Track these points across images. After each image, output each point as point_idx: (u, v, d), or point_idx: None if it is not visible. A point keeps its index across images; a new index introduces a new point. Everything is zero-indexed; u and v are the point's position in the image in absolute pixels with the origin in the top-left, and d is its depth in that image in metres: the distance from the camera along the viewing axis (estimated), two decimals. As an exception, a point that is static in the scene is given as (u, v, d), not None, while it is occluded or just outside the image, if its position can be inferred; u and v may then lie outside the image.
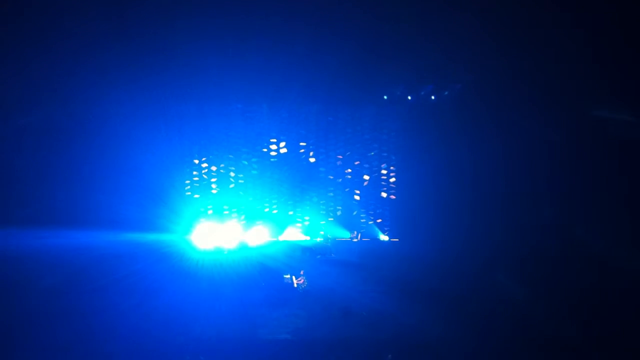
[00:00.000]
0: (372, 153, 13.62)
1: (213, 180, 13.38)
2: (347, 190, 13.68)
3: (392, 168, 13.63)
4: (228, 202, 13.44)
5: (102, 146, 11.47)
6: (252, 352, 8.62)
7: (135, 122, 11.71)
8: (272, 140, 13.45)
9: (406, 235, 13.27)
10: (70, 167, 11.15)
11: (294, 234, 13.54)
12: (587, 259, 9.26)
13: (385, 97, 12.96)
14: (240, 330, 9.30)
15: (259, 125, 13.36)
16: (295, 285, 11.25)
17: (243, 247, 12.87)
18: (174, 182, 12.85)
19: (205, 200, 13.34)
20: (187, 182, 13.25)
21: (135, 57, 10.15)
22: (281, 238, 13.45)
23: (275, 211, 13.58)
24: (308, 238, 13.48)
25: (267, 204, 13.55)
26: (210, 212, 13.35)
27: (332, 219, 13.64)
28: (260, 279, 11.71)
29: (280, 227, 13.51)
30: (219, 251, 12.58)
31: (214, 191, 13.39)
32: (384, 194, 13.70)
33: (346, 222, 13.64)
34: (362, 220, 13.67)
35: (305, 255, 12.71)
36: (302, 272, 11.53)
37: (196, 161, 13.26)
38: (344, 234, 13.52)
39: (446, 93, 12.28)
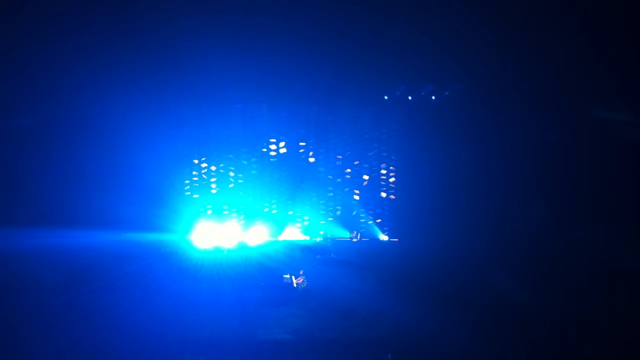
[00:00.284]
0: (372, 153, 13.63)
1: (213, 180, 13.38)
2: (346, 190, 13.69)
3: (391, 168, 13.64)
4: (228, 201, 13.45)
5: (102, 147, 11.47)
6: (252, 352, 8.63)
7: (135, 122, 11.70)
8: (271, 140, 13.47)
9: (405, 235, 13.27)
10: (71, 167, 11.15)
11: (294, 234, 13.55)
12: (586, 258, 9.26)
13: (385, 98, 12.97)
14: (240, 330, 9.30)
15: (258, 125, 13.37)
16: (295, 285, 11.25)
17: (243, 246, 12.87)
18: (174, 182, 12.85)
19: (205, 200, 13.34)
20: (187, 182, 13.25)
21: (135, 58, 10.15)
22: (281, 238, 13.45)
23: (274, 211, 13.59)
24: (308, 238, 13.48)
25: (266, 204, 13.56)
26: (209, 212, 13.34)
27: (331, 218, 13.64)
28: (259, 278, 11.71)
29: (280, 227, 13.52)
30: (218, 251, 12.59)
31: (213, 191, 13.39)
32: (383, 194, 13.71)
33: (346, 222, 13.65)
34: (361, 220, 13.68)
35: (305, 255, 12.70)
36: (301, 272, 11.53)
37: (196, 161, 13.27)
38: (344, 234, 13.52)
39: (446, 93, 12.29)
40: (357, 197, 13.69)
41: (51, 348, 8.10)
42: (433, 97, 12.63)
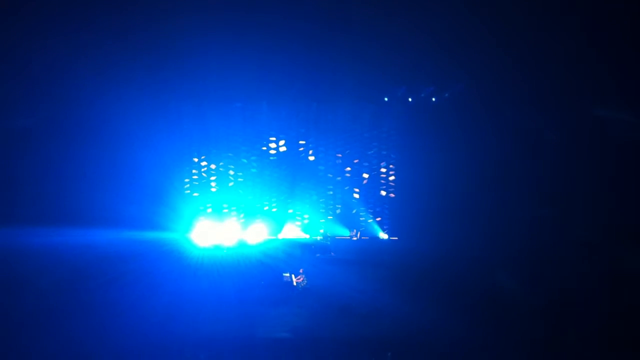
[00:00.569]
0: (372, 151, 13.62)
1: (212, 178, 13.37)
2: (346, 188, 13.68)
3: (391, 166, 13.63)
4: (227, 200, 13.44)
5: (103, 145, 11.47)
6: (251, 350, 8.64)
7: (135, 121, 11.69)
8: (271, 138, 13.45)
9: (405, 233, 13.28)
10: (71, 167, 11.15)
11: (294, 232, 13.55)
12: (585, 256, 9.29)
13: (385, 99, 12.98)
14: (240, 328, 9.31)
15: (258, 124, 13.35)
16: (295, 284, 11.26)
17: (242, 245, 12.88)
18: (174, 181, 12.84)
19: (205, 199, 13.34)
20: (187, 180, 13.24)
21: (135, 56, 10.15)
22: (280, 236, 13.45)
23: (274, 209, 13.59)
24: (307, 236, 13.49)
25: (266, 202, 13.55)
26: (209, 210, 13.34)
27: (331, 217, 13.64)
28: (259, 277, 11.72)
29: (280, 226, 13.52)
30: (218, 249, 12.60)
31: (213, 189, 13.39)
32: (383, 193, 13.71)
33: (345, 220, 13.64)
34: (361, 219, 13.68)
35: (305, 254, 12.71)
36: (301, 271, 11.53)
37: (195, 159, 13.26)
38: (344, 233, 13.53)
39: (446, 93, 12.29)
40: (356, 196, 13.69)
41: (53, 345, 8.12)
42: (433, 99, 12.63)
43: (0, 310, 8.94)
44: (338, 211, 13.72)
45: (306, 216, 13.64)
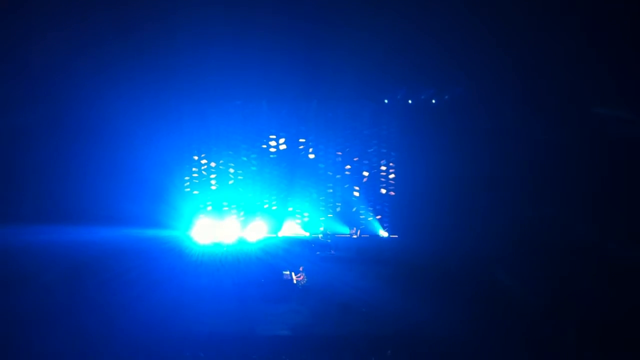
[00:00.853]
0: (372, 149, 13.62)
1: (213, 176, 13.39)
2: (346, 186, 13.69)
3: (391, 164, 13.64)
4: (228, 198, 13.46)
5: (103, 144, 11.50)
6: (251, 347, 8.67)
7: (135, 119, 11.72)
8: (271, 136, 13.45)
9: (405, 231, 13.30)
10: (72, 165, 11.18)
11: (293, 230, 13.57)
12: (585, 256, 9.32)
13: (386, 102, 13.01)
14: (240, 326, 9.34)
15: (258, 122, 13.36)
16: (295, 282, 11.27)
17: (242, 243, 12.90)
18: (174, 179, 12.86)
19: (205, 196, 13.35)
20: (187, 178, 13.25)
21: (136, 55, 10.13)
22: (280, 234, 13.48)
23: (274, 207, 13.60)
24: (307, 234, 13.51)
25: (266, 200, 13.57)
26: (209, 208, 13.36)
27: (331, 215, 13.66)
28: (259, 275, 11.74)
29: (280, 223, 13.54)
30: (218, 247, 12.62)
31: (213, 187, 13.40)
32: (383, 190, 13.72)
33: (345, 218, 13.66)
34: (361, 217, 13.69)
35: (305, 252, 12.73)
36: (301, 268, 11.54)
37: (196, 157, 13.27)
38: (344, 230, 13.55)
39: (446, 93, 12.30)
40: (356, 194, 13.70)
41: (54, 341, 8.15)
42: (433, 101, 12.66)
43: (3, 307, 8.97)
44: (338, 209, 13.73)
45: (306, 214, 13.66)
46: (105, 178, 11.49)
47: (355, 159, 13.63)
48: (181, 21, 9.54)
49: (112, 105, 11.23)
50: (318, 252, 12.77)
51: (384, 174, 13.67)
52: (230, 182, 13.42)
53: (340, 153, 13.61)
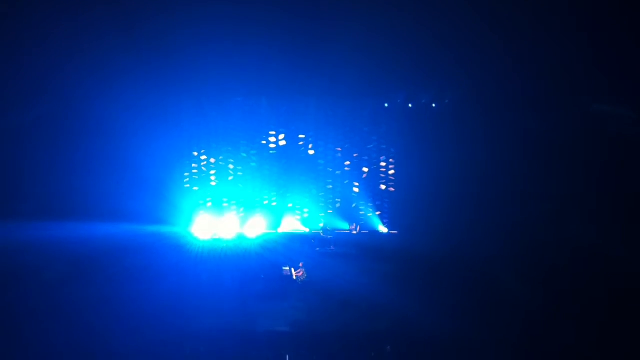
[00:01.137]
0: (371, 145, 13.60)
1: (212, 172, 13.37)
2: (346, 182, 13.69)
3: (391, 160, 13.61)
4: (227, 194, 13.44)
5: (103, 141, 11.48)
6: (251, 344, 8.70)
7: (134, 115, 11.69)
8: (271, 132, 13.42)
9: (405, 227, 13.31)
10: (71, 162, 11.17)
11: (293, 226, 13.57)
12: (584, 255, 9.32)
13: (386, 105, 12.99)
14: (240, 323, 9.38)
15: (258, 118, 13.32)
16: (295, 278, 11.30)
17: (242, 239, 12.91)
18: (173, 175, 12.85)
19: (205, 193, 13.34)
20: (186, 174, 13.24)
21: (134, 50, 10.10)
22: (280, 230, 13.48)
23: (274, 203, 13.60)
24: (307, 230, 13.52)
25: (266, 196, 13.57)
26: (209, 204, 13.36)
27: (331, 211, 13.66)
28: (259, 271, 11.76)
29: (279, 219, 13.54)
30: (218, 243, 12.63)
31: (213, 183, 13.40)
32: (383, 187, 13.71)
33: (345, 214, 13.66)
34: (361, 213, 13.69)
35: (304, 248, 12.74)
36: (301, 265, 11.58)
37: (195, 153, 13.24)
38: (343, 226, 13.55)
39: (447, 92, 12.26)
40: (356, 190, 13.70)
41: (55, 339, 8.18)
42: (434, 105, 12.64)
43: (4, 304, 9.00)
44: (338, 205, 13.73)
45: (306, 210, 13.66)
46: (103, 174, 11.48)
47: (355, 155, 13.61)
48: (181, 17, 9.52)
49: (110, 102, 11.21)
50: (318, 248, 12.80)
51: (384, 170, 13.65)
52: (230, 178, 13.41)
53: (340, 149, 13.59)
